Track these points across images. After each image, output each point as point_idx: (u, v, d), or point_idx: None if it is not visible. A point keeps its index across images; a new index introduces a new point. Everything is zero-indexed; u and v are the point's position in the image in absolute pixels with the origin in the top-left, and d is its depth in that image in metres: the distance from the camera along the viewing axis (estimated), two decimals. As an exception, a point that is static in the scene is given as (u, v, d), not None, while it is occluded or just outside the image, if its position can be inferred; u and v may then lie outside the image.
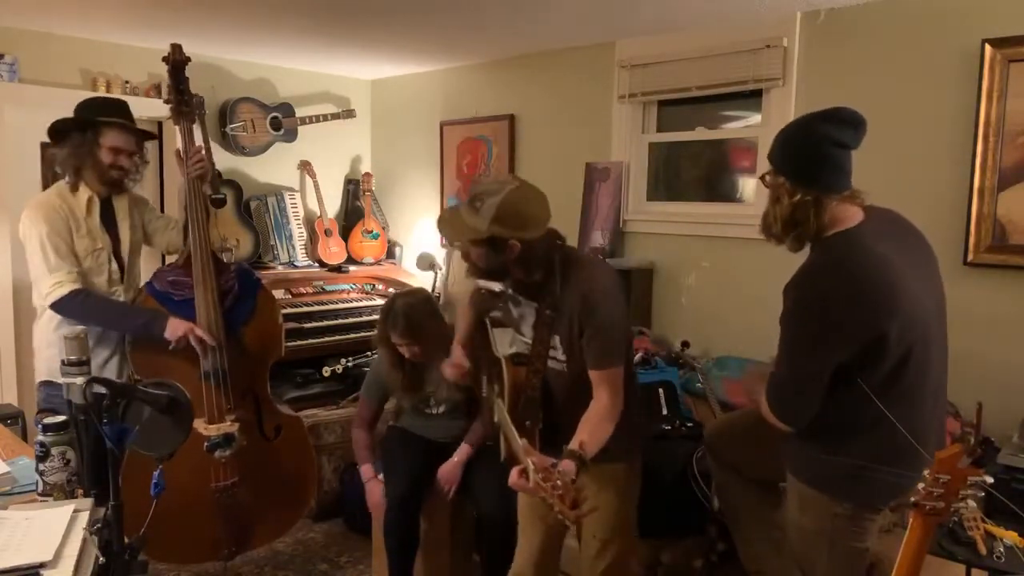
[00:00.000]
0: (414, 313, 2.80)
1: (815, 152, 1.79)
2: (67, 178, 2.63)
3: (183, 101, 2.76)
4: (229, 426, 2.70)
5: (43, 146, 3.79)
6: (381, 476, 2.95)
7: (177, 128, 2.80)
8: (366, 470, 2.97)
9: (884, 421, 1.75)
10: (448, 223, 2.10)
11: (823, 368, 1.76)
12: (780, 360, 1.85)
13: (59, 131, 2.61)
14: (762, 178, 1.93)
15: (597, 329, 2.02)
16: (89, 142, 2.58)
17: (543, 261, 2.07)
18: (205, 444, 2.63)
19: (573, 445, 1.91)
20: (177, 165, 2.79)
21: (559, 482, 1.69)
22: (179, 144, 2.81)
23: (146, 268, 2.98)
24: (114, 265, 2.70)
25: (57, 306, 2.56)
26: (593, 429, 1.98)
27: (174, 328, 2.61)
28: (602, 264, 2.13)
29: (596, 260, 2.13)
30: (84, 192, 2.63)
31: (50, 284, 2.55)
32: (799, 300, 1.79)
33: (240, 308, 2.82)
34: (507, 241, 1.97)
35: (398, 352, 2.86)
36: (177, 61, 2.74)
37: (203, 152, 2.79)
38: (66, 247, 2.57)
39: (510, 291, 2.13)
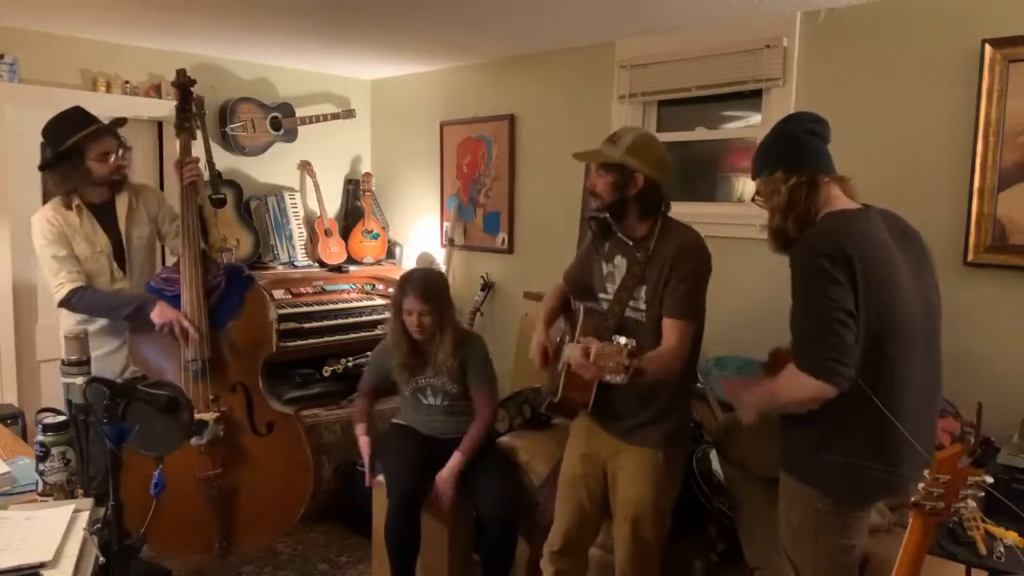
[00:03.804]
0: (431, 279, 2.97)
1: (794, 140, 1.94)
2: (61, 197, 2.80)
3: (185, 118, 3.05)
4: (205, 414, 2.77)
5: (43, 147, 3.79)
6: (380, 477, 2.96)
7: (178, 140, 3.04)
8: (360, 428, 3.11)
9: (865, 419, 1.77)
10: (587, 153, 2.33)
11: (839, 309, 1.73)
12: (796, 322, 1.83)
13: (48, 164, 2.78)
14: (753, 199, 2.03)
15: (682, 279, 2.16)
16: (76, 163, 2.74)
17: (652, 210, 2.24)
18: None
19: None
20: (175, 173, 2.99)
21: (618, 345, 1.88)
22: (178, 154, 3.03)
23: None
24: (115, 265, 2.86)
25: (63, 304, 2.76)
26: (655, 358, 2.10)
27: (160, 311, 2.78)
28: (703, 240, 2.28)
29: (699, 233, 2.31)
30: (75, 200, 2.80)
31: (55, 287, 2.75)
32: (803, 256, 1.82)
33: (226, 305, 2.94)
34: (633, 173, 2.17)
35: (404, 326, 2.92)
36: (182, 84, 3.04)
37: (197, 163, 2.99)
38: (65, 252, 2.76)
39: (618, 233, 2.28)
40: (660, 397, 2.23)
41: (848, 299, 1.74)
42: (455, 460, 2.88)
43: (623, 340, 1.90)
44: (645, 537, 2.28)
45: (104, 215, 2.85)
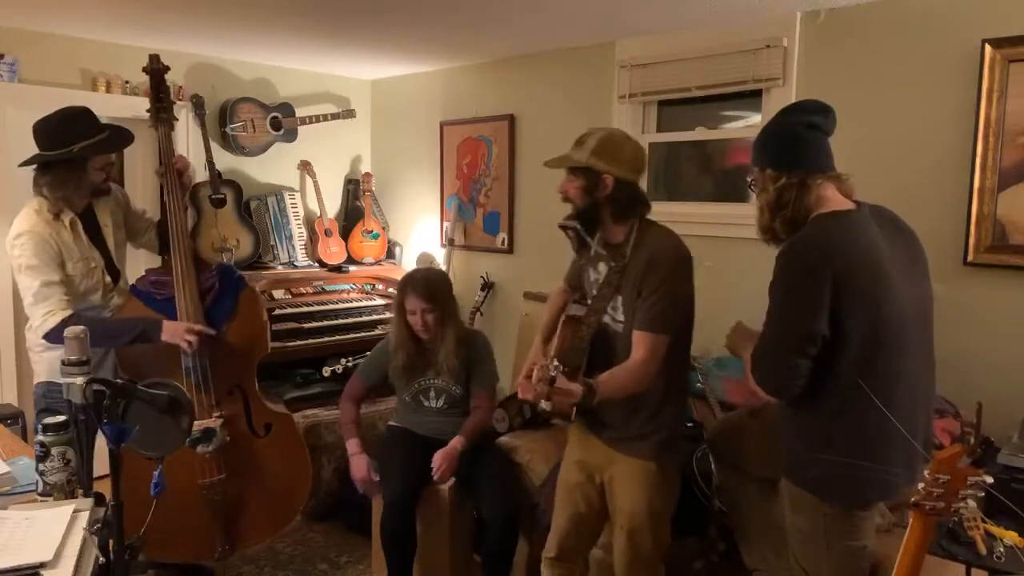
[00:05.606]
0: (433, 278, 2.94)
1: (789, 135, 1.89)
2: (49, 204, 2.57)
3: (162, 108, 2.85)
4: (212, 421, 2.73)
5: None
6: (376, 477, 2.96)
7: (157, 134, 2.84)
8: (352, 444, 2.99)
9: (863, 421, 1.77)
10: (555, 159, 2.24)
11: (804, 335, 1.76)
12: (764, 327, 1.86)
13: (49, 165, 2.57)
14: (750, 184, 1.99)
15: (653, 290, 2.09)
16: (77, 168, 2.57)
17: (627, 213, 2.18)
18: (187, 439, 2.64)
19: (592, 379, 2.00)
20: (157, 179, 2.83)
21: (545, 369, 1.84)
22: (161, 149, 2.84)
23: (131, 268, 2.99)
24: (108, 278, 2.73)
25: (50, 336, 2.53)
26: (615, 375, 2.07)
27: (171, 332, 2.63)
28: (680, 242, 2.20)
29: (676, 236, 2.21)
30: (66, 215, 2.60)
31: (41, 314, 2.55)
32: (784, 266, 1.82)
33: (221, 306, 2.85)
34: (601, 175, 2.12)
35: (408, 327, 2.89)
36: (155, 70, 2.85)
37: (183, 157, 2.83)
38: (59, 276, 2.56)
39: (595, 245, 2.21)
40: (647, 406, 2.17)
41: (822, 320, 1.74)
42: (456, 440, 2.87)
43: (553, 363, 1.84)
44: (642, 545, 2.24)
45: (88, 226, 2.68)
